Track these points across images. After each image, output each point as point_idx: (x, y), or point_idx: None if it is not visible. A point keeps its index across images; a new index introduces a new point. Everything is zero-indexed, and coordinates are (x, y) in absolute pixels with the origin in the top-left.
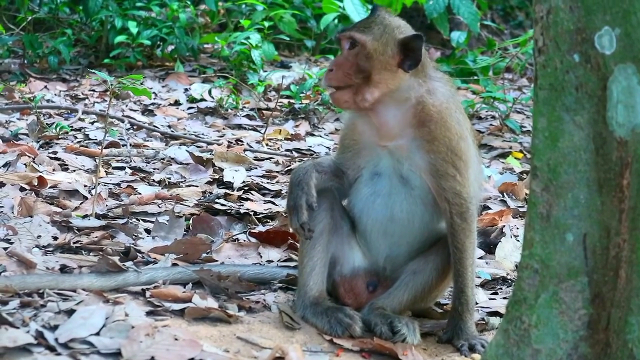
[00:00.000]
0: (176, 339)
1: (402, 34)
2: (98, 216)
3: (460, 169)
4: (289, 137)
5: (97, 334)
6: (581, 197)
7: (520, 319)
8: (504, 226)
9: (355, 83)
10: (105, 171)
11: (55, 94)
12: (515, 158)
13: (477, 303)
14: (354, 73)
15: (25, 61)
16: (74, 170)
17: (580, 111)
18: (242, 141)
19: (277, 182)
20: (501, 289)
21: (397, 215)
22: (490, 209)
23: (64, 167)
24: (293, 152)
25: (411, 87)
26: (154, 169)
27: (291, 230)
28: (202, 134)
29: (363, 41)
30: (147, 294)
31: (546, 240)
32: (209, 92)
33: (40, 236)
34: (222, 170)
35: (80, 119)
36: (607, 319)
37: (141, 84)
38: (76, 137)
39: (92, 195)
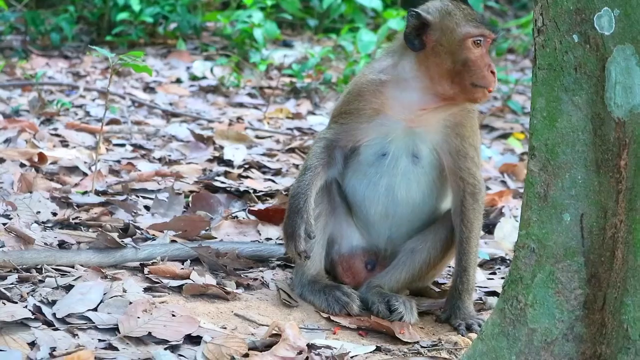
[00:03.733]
0: (174, 315)
1: None
2: (98, 193)
3: (479, 151)
4: (291, 116)
5: (95, 309)
6: (579, 178)
7: (517, 299)
8: (503, 207)
9: None
10: (106, 148)
11: (57, 71)
12: (517, 139)
13: (475, 283)
14: None
15: (27, 38)
16: (74, 147)
17: (579, 91)
18: (243, 119)
19: (277, 160)
20: (499, 269)
21: (400, 195)
22: (490, 189)
23: (65, 144)
24: (294, 130)
25: None
26: (155, 146)
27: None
28: (203, 112)
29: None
30: (145, 270)
31: (543, 220)
32: (211, 70)
33: (39, 212)
34: (222, 148)
35: (81, 96)
36: (603, 299)
37: (143, 61)
38: (77, 114)
39: (92, 171)
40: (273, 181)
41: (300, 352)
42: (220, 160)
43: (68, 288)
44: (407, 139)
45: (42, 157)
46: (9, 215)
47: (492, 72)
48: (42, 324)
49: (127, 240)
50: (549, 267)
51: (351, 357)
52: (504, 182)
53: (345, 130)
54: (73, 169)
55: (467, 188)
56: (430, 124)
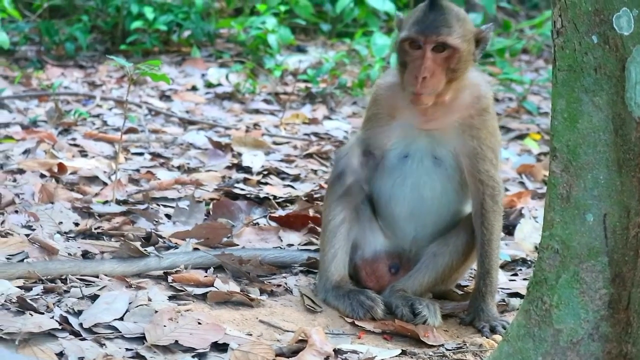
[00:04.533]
0: (199, 323)
1: (474, 26)
2: (118, 202)
3: (497, 153)
4: (307, 121)
5: (121, 318)
6: (601, 178)
7: (542, 300)
8: (522, 208)
9: (441, 87)
10: (125, 157)
11: (73, 81)
12: (533, 139)
13: (498, 285)
14: (444, 77)
15: (42, 48)
16: (94, 157)
17: (599, 92)
18: (259, 126)
19: (295, 166)
20: (521, 270)
21: (426, 196)
22: (508, 190)
23: (83, 154)
24: (311, 136)
25: (470, 78)
26: (173, 154)
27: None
28: (220, 119)
29: (456, 45)
30: (169, 278)
31: (566, 220)
32: (226, 77)
33: (61, 222)
34: (240, 154)
35: (98, 105)
36: (627, 299)
37: (159, 69)
38: (94, 124)
39: (112, 181)
40: (292, 187)
41: (327, 357)
42: (239, 167)
43: (93, 298)
44: (427, 141)
45: (61, 168)
46: (32, 226)
47: (423, 78)
48: (70, 334)
49: (150, 249)
50: (573, 268)
51: None
52: (522, 183)
53: (370, 135)
54: (93, 179)
55: (486, 190)
56: (443, 126)
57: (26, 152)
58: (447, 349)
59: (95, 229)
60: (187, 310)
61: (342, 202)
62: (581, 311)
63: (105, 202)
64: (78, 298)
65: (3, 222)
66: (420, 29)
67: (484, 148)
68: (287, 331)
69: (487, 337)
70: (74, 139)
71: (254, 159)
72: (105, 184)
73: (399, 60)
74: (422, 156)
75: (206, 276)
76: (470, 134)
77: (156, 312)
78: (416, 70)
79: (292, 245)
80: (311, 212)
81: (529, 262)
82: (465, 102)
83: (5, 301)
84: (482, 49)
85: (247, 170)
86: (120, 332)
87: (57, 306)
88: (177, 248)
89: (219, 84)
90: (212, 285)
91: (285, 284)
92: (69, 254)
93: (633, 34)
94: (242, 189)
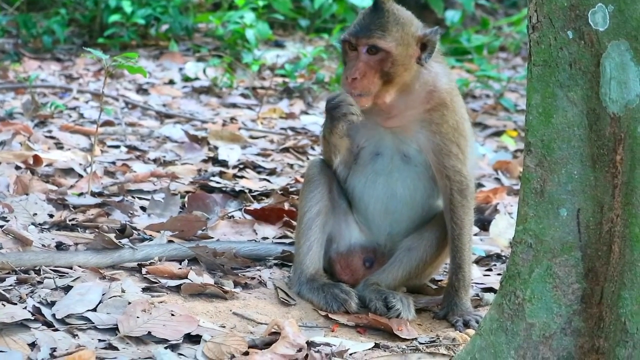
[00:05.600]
0: (173, 315)
1: (418, 30)
2: (94, 194)
3: (463, 148)
4: (284, 115)
5: (94, 309)
6: (575, 173)
7: (515, 294)
8: (498, 203)
9: (377, 88)
10: (100, 149)
11: (50, 74)
12: (510, 136)
13: (472, 279)
14: (378, 79)
15: (20, 41)
16: (69, 149)
17: (574, 87)
18: (236, 120)
19: (272, 160)
20: (495, 265)
21: (399, 192)
22: (484, 186)
23: (59, 146)
24: (288, 130)
25: (422, 76)
26: (149, 147)
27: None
28: (197, 113)
29: (388, 48)
30: (143, 270)
31: (540, 215)
32: (204, 71)
33: (36, 214)
34: (217, 148)
35: (74, 98)
36: (600, 293)
37: (136, 62)
38: (71, 116)
39: (87, 173)
40: (268, 181)
41: (300, 350)
42: (215, 161)
43: (67, 289)
44: (393, 139)
45: (37, 160)
46: (6, 217)
47: (353, 78)
48: (42, 325)
49: (125, 241)
50: (546, 262)
51: (350, 354)
52: (498, 180)
53: (349, 133)
54: (68, 171)
55: (453, 185)
56: (404, 124)
57: (2, 143)
58: (420, 343)
59: (70, 220)
60: (161, 302)
61: (318, 195)
62: (554, 305)
63: (81, 194)
64: (51, 289)
65: None
66: (355, 31)
67: (448, 143)
68: (261, 323)
69: (460, 332)
70: (50, 132)
71: (230, 153)
72: (80, 176)
73: (342, 60)
74: (392, 154)
75: (180, 268)
76: (431, 130)
77: (129, 303)
78: (348, 71)
79: (267, 238)
80: (286, 206)
81: (504, 258)
82: (419, 98)
83: None
84: (430, 53)
85: (223, 163)
86: (93, 323)
87: (30, 297)
88: (151, 240)
89: (197, 78)
90: (186, 278)
91: (260, 276)
92: (43, 245)
93: (608, 29)
94: (218, 182)
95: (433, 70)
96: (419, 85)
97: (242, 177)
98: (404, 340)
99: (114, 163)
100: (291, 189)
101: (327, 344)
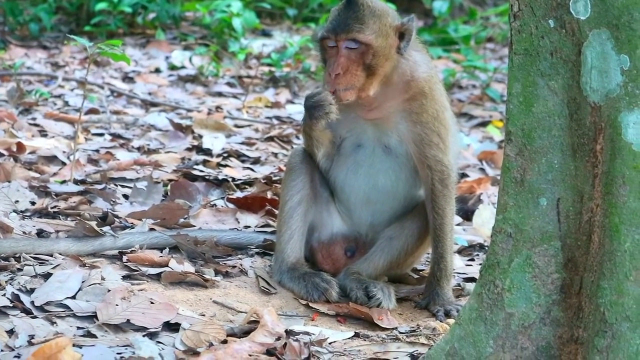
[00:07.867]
0: (152, 303)
1: (395, 20)
2: (76, 182)
3: (444, 137)
4: (270, 104)
5: (73, 297)
6: (555, 162)
7: (494, 283)
8: (481, 194)
9: (361, 82)
10: (85, 137)
11: (36, 61)
12: (495, 127)
13: (454, 269)
14: (361, 72)
15: (6, 28)
16: (53, 137)
17: (555, 76)
18: (222, 108)
19: (256, 149)
20: (478, 255)
21: (380, 183)
22: (468, 176)
23: (43, 134)
24: (273, 119)
25: (400, 65)
26: (134, 135)
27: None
28: (182, 101)
29: (368, 41)
30: (124, 258)
31: (520, 204)
32: (190, 59)
33: (17, 201)
34: (201, 137)
35: (60, 86)
36: (579, 283)
37: (121, 50)
38: (56, 104)
39: (70, 161)
40: (252, 169)
41: (278, 338)
42: (199, 149)
43: (46, 276)
44: (374, 131)
45: (20, 147)
46: None
47: (336, 74)
48: (21, 312)
49: (106, 228)
50: (525, 252)
51: (330, 343)
52: (482, 170)
53: (331, 125)
54: (52, 159)
55: (434, 175)
56: (385, 115)
57: None
58: (400, 332)
59: (52, 208)
60: (141, 290)
61: (300, 184)
62: (533, 295)
63: (63, 182)
64: (31, 276)
65: None
66: (333, 27)
67: (428, 133)
68: (241, 312)
69: (441, 321)
70: (34, 119)
71: (215, 142)
72: (64, 163)
73: (320, 59)
74: (373, 145)
75: (161, 256)
76: (411, 120)
77: (109, 291)
78: (330, 68)
79: (249, 227)
80: (269, 195)
81: (487, 248)
82: (398, 89)
83: None
84: (408, 41)
85: (207, 152)
86: (72, 311)
87: (10, 284)
88: (133, 228)
89: (183, 67)
90: (167, 266)
91: (241, 265)
92: (24, 233)
93: (590, 18)
94: (202, 171)
95: (411, 59)
96: (397, 76)
97: (225, 165)
98: (384, 329)
99: (97, 151)
100: (274, 178)
101: (307, 333)
